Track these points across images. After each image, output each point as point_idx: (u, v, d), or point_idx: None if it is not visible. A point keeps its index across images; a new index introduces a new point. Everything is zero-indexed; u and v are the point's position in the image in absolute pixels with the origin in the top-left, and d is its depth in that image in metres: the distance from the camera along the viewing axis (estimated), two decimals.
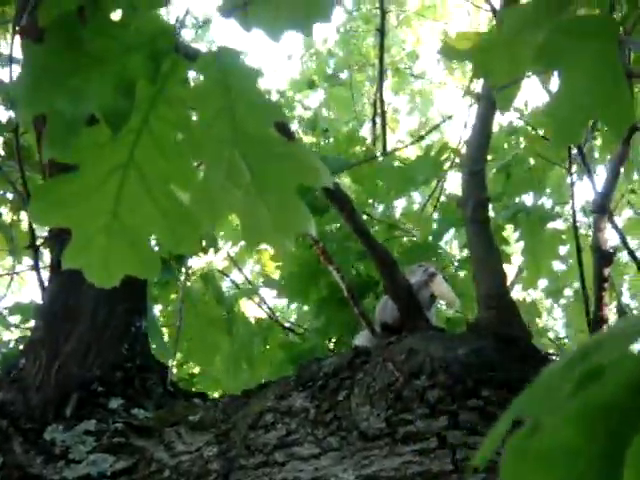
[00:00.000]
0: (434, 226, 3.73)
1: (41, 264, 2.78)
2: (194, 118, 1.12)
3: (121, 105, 1.05)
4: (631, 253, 2.98)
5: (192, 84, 1.12)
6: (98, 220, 1.12)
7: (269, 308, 4.00)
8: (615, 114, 1.25)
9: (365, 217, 3.36)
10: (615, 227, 2.77)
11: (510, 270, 4.43)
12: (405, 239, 3.60)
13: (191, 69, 1.11)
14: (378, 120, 5.27)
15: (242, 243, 4.87)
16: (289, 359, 3.19)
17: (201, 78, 1.11)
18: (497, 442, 0.49)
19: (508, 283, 2.37)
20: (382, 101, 5.11)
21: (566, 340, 4.97)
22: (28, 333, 2.68)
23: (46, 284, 2.37)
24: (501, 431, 0.49)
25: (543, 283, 4.61)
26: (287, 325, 3.94)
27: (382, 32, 5.23)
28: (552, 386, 0.49)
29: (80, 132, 1.06)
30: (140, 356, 2.16)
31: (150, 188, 1.11)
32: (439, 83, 7.36)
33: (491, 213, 3.67)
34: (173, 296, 3.71)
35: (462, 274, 3.60)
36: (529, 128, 4.23)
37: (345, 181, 3.97)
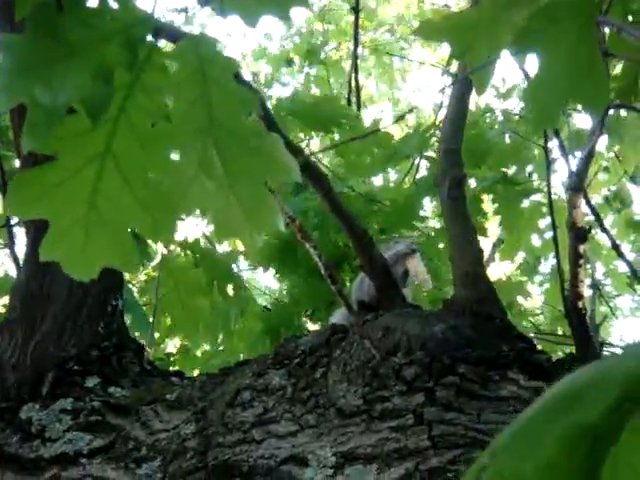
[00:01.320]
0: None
1: (16, 243, 2.76)
2: (171, 106, 1.11)
3: (99, 94, 1.04)
4: (604, 230, 3.00)
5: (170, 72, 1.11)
6: (76, 211, 1.11)
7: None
8: (592, 95, 1.26)
9: (347, 190, 3.36)
10: (589, 204, 2.78)
11: (486, 242, 4.46)
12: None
13: (168, 57, 1.10)
14: (353, 98, 5.27)
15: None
16: (266, 330, 3.20)
17: (178, 66, 1.10)
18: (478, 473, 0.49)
19: (485, 256, 2.37)
20: (357, 80, 5.11)
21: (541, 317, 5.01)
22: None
23: (22, 263, 2.36)
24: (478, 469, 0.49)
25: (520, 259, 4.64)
26: (265, 297, 3.93)
27: (357, 10, 5.22)
28: (532, 438, 0.48)
29: (59, 122, 1.05)
30: (116, 334, 2.16)
31: (127, 177, 1.10)
32: (418, 62, 7.35)
33: (472, 182, 3.70)
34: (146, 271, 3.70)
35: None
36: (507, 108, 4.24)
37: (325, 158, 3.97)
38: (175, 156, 1.13)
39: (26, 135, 1.03)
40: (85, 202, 1.11)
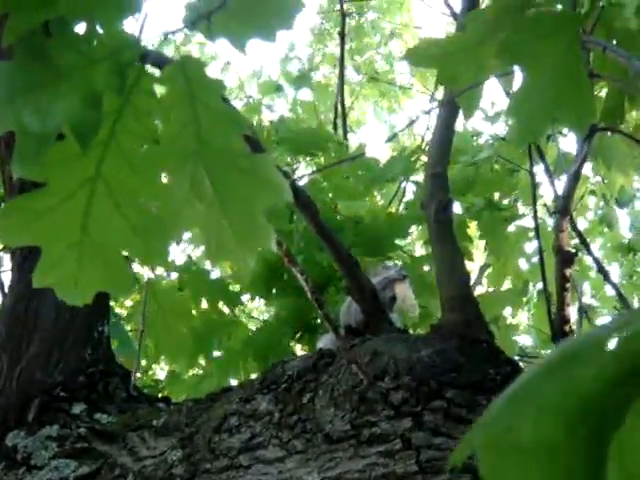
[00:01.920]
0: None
1: (2, 268, 2.75)
2: (160, 130, 1.12)
3: (89, 118, 1.04)
4: (590, 254, 3.01)
5: (158, 95, 1.11)
6: (67, 237, 1.10)
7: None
8: (577, 112, 1.26)
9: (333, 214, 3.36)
10: (575, 228, 2.79)
11: (473, 266, 4.46)
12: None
13: (157, 81, 1.10)
14: (340, 122, 5.28)
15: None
16: (252, 354, 3.18)
17: (166, 89, 1.10)
18: (474, 444, 0.49)
19: (471, 281, 2.37)
20: (343, 104, 5.12)
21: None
22: None
23: (7, 288, 2.35)
24: (476, 434, 0.49)
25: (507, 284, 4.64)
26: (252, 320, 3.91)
27: (342, 35, 5.25)
28: (527, 398, 0.49)
29: (48, 148, 1.05)
30: (103, 360, 2.15)
31: (118, 201, 1.10)
32: (405, 87, 7.37)
33: (457, 209, 3.70)
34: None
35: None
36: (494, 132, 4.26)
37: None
38: (165, 179, 1.13)
39: (16, 162, 1.03)
40: (77, 227, 1.11)
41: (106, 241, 1.11)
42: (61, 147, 1.07)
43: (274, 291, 3.27)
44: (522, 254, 4.06)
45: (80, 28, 1.08)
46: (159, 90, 1.11)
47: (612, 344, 0.48)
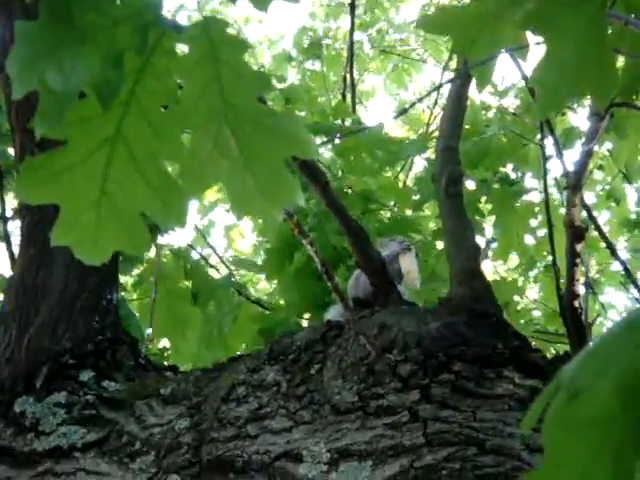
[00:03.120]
0: (413, 197, 3.75)
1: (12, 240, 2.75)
2: (181, 90, 1.11)
3: (110, 78, 1.04)
4: (599, 229, 3.01)
5: (180, 55, 1.11)
6: (87, 196, 1.10)
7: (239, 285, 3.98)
8: (600, 84, 1.25)
9: (347, 190, 3.36)
10: (584, 204, 2.78)
11: (479, 240, 4.46)
12: (383, 213, 3.59)
13: (179, 40, 1.10)
14: (348, 94, 5.27)
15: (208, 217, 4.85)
16: (261, 332, 3.19)
17: (188, 49, 1.09)
18: (542, 407, 0.50)
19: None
20: (352, 75, 5.10)
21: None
22: None
23: (16, 257, 2.36)
24: (547, 396, 0.50)
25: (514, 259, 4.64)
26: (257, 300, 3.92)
27: (353, 6, 5.22)
28: (608, 355, 0.49)
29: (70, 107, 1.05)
30: (111, 329, 2.15)
31: (138, 161, 1.10)
32: (416, 60, 7.33)
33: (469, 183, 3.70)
34: (136, 271, 3.69)
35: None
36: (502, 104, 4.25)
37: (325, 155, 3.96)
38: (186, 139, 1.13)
39: (38, 121, 1.03)
40: (96, 187, 1.11)
41: (125, 201, 1.11)
42: (82, 107, 1.07)
43: (282, 270, 3.27)
44: (528, 229, 4.06)
45: None
46: (181, 51, 1.11)
47: None
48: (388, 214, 3.53)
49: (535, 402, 0.51)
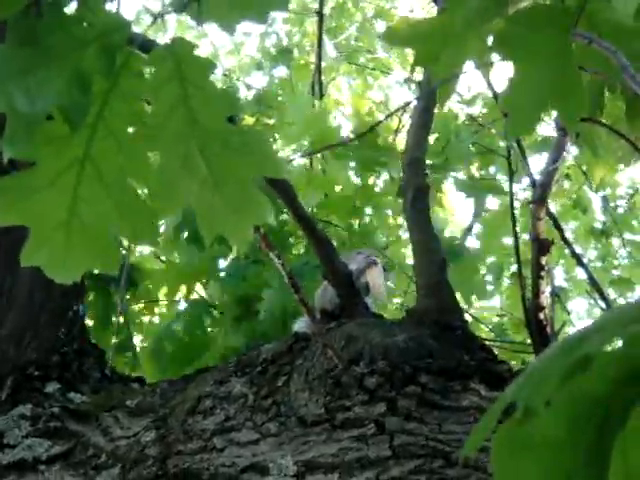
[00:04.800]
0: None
1: None
2: (148, 111, 1.12)
3: (78, 100, 1.04)
4: (565, 240, 3.03)
5: (147, 77, 1.11)
6: (56, 216, 1.11)
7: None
8: (568, 105, 1.27)
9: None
10: (549, 214, 2.81)
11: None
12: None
13: (145, 63, 1.10)
14: (317, 102, 5.27)
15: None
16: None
17: (155, 71, 1.10)
18: (487, 430, 0.50)
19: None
20: (320, 84, 5.11)
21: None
22: None
23: None
24: (491, 419, 0.51)
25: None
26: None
27: (321, 14, 5.23)
28: (542, 375, 0.50)
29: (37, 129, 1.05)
30: (77, 340, 2.14)
31: (107, 182, 1.10)
32: (383, 70, 7.35)
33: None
34: None
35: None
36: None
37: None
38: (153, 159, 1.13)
39: (6, 142, 1.03)
40: (65, 207, 1.11)
41: (94, 221, 1.11)
42: (50, 128, 1.07)
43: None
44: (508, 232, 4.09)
45: (70, 10, 1.08)
46: (148, 72, 1.11)
47: (616, 344, 0.50)
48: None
49: (479, 424, 0.52)
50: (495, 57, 1.50)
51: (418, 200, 2.21)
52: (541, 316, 2.15)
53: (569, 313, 4.78)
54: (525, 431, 0.50)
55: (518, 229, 2.77)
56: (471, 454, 0.47)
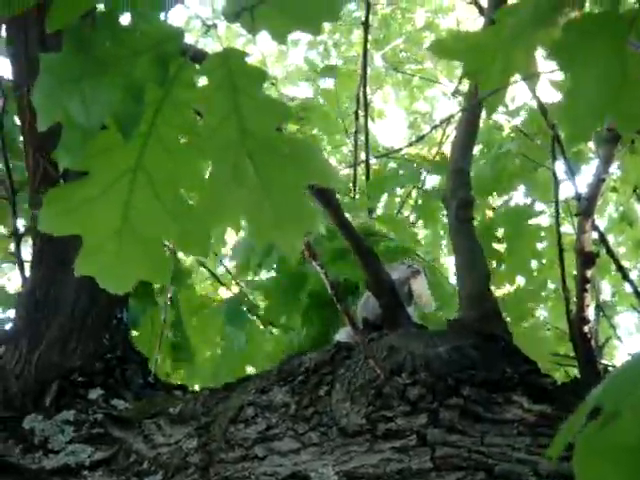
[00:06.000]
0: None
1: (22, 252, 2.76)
2: (200, 121, 1.13)
3: (131, 110, 1.06)
4: (610, 253, 3.00)
5: (199, 86, 1.12)
6: (108, 226, 1.12)
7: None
8: (624, 115, 1.26)
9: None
10: (595, 227, 2.78)
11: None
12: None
13: (197, 72, 1.11)
14: (361, 113, 5.27)
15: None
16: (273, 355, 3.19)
17: (207, 80, 1.11)
18: (573, 432, 0.51)
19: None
20: (365, 95, 5.11)
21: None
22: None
23: (27, 273, 2.37)
24: (577, 421, 0.51)
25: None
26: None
27: (366, 24, 5.23)
28: (630, 381, 0.50)
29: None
30: (121, 347, 2.16)
31: (159, 192, 1.12)
32: (430, 80, 7.34)
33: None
34: None
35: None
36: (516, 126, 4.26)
37: None
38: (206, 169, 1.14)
39: (61, 152, 1.05)
40: (118, 217, 1.12)
41: (146, 231, 1.13)
42: (103, 137, 1.09)
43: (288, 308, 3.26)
44: (535, 253, 4.06)
45: (124, 19, 1.09)
46: (200, 81, 1.12)
47: None
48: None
49: (561, 430, 0.52)
50: (542, 68, 1.50)
51: (462, 211, 2.20)
52: (585, 329, 2.12)
53: (614, 328, 4.73)
54: (607, 435, 0.50)
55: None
56: (554, 456, 0.47)
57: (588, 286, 2.15)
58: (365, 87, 5.10)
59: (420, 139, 2.94)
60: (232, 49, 1.11)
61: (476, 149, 3.95)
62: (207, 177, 1.12)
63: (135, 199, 1.12)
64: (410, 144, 3.25)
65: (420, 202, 4.08)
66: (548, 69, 1.39)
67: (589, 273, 2.16)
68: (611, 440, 0.50)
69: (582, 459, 0.50)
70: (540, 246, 4.09)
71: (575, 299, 2.20)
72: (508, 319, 2.61)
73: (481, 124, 3.73)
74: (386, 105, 7.66)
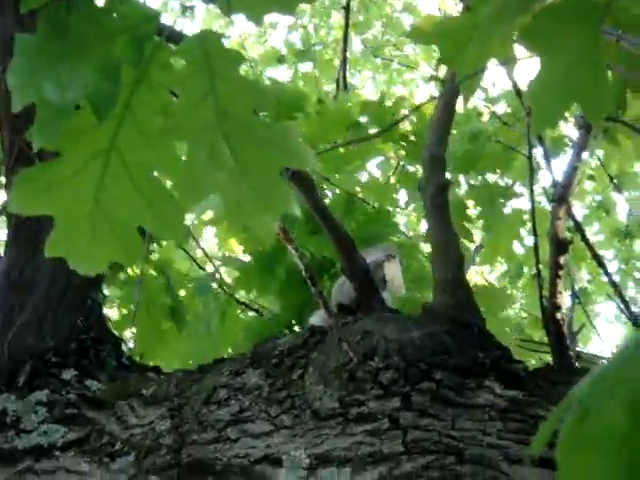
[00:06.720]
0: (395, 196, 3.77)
1: None
2: (176, 102, 1.12)
3: (106, 90, 1.05)
4: (586, 241, 3.02)
5: (175, 68, 1.12)
6: (81, 207, 1.11)
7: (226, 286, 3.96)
8: (594, 102, 1.26)
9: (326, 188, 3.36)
10: (571, 215, 2.79)
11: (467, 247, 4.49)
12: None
13: (174, 54, 1.11)
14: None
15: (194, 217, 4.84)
16: (248, 336, 3.18)
17: (184, 62, 1.10)
18: (552, 429, 0.51)
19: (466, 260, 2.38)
20: (345, 78, 5.11)
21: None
22: None
23: (1, 254, 2.36)
24: (557, 417, 0.51)
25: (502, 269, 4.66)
26: (246, 302, 3.91)
27: (347, 9, 5.23)
28: (615, 379, 0.50)
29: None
30: (95, 328, 2.16)
31: (132, 174, 1.11)
32: (409, 66, 7.34)
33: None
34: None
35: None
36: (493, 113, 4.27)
37: None
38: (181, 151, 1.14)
39: (36, 133, 1.04)
40: (90, 198, 1.11)
41: (119, 213, 1.12)
42: (77, 118, 1.08)
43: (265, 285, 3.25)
44: (517, 237, 4.08)
45: (100, 1, 1.09)
46: (176, 63, 1.11)
47: None
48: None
49: (545, 423, 0.52)
50: (519, 54, 1.50)
51: (438, 196, 2.21)
52: (558, 315, 2.14)
53: (588, 315, 4.76)
54: (588, 427, 0.50)
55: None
56: (536, 452, 0.48)
57: (561, 273, 2.16)
58: (345, 70, 5.10)
59: (393, 125, 2.93)
60: (209, 31, 1.11)
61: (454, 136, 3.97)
62: (183, 159, 1.12)
63: (108, 181, 1.11)
64: (384, 130, 3.23)
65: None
66: (526, 54, 1.39)
67: (562, 260, 2.17)
68: (589, 432, 0.50)
69: (564, 451, 0.51)
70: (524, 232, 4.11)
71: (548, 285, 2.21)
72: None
73: (461, 111, 3.75)
74: (363, 90, 7.66)
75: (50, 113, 1.04)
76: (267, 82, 5.90)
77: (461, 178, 3.95)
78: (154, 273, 3.32)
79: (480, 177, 3.98)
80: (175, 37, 1.18)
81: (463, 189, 3.94)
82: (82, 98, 1.06)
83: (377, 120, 3.62)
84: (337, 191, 3.48)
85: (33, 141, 1.05)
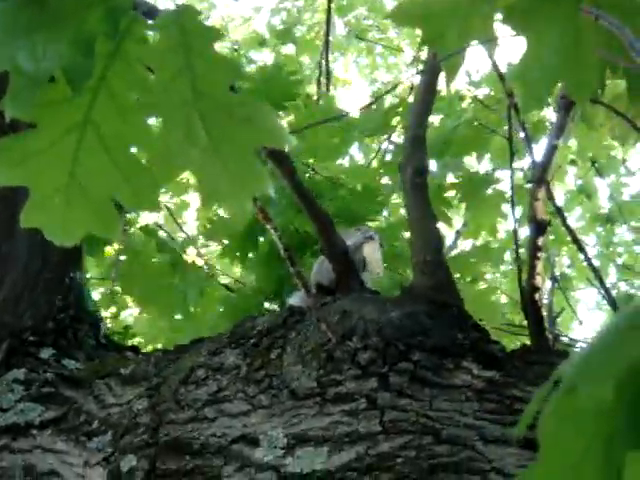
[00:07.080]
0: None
1: None
2: (152, 77, 1.11)
3: (81, 62, 1.04)
4: (565, 224, 3.02)
5: (151, 43, 1.10)
6: (56, 179, 1.10)
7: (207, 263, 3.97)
8: (578, 81, 1.26)
9: (309, 173, 3.35)
10: (551, 198, 2.80)
11: (449, 233, 4.50)
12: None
13: (149, 28, 1.10)
14: (324, 80, 5.25)
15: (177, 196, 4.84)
16: (227, 314, 3.19)
17: (160, 37, 1.09)
18: (538, 407, 0.51)
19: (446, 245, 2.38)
20: (327, 61, 5.09)
21: None
22: None
23: None
24: (542, 396, 0.51)
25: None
26: (227, 279, 3.92)
27: None
28: (593, 356, 0.51)
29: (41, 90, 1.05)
30: (73, 307, 2.15)
31: (107, 147, 1.10)
32: (392, 48, 7.31)
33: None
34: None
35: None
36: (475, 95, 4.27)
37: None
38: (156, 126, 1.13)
39: (9, 103, 1.03)
40: (65, 171, 1.11)
41: (94, 185, 1.11)
42: (52, 90, 1.07)
43: (249, 255, 3.25)
44: (500, 215, 4.08)
45: None
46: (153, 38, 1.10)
47: None
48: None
49: (531, 402, 0.53)
50: (500, 35, 1.50)
51: (417, 178, 2.21)
52: (536, 297, 2.14)
53: (567, 299, 4.78)
54: (571, 402, 0.51)
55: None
56: (520, 434, 0.49)
57: (540, 254, 2.17)
58: (328, 54, 5.08)
59: (374, 102, 2.92)
60: (186, 6, 1.10)
61: (436, 119, 3.97)
62: (158, 135, 1.11)
63: (83, 153, 1.10)
64: (366, 106, 3.22)
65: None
66: (508, 34, 1.39)
67: (541, 241, 2.17)
68: (573, 406, 0.51)
69: (546, 425, 0.51)
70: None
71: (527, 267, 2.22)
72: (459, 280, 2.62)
73: (443, 94, 3.75)
74: (347, 74, 7.64)
75: (24, 82, 1.03)
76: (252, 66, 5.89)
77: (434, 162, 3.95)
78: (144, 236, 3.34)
79: (456, 163, 3.97)
80: (152, 12, 1.17)
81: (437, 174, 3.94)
82: (57, 69, 1.05)
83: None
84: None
85: (6, 110, 1.03)
